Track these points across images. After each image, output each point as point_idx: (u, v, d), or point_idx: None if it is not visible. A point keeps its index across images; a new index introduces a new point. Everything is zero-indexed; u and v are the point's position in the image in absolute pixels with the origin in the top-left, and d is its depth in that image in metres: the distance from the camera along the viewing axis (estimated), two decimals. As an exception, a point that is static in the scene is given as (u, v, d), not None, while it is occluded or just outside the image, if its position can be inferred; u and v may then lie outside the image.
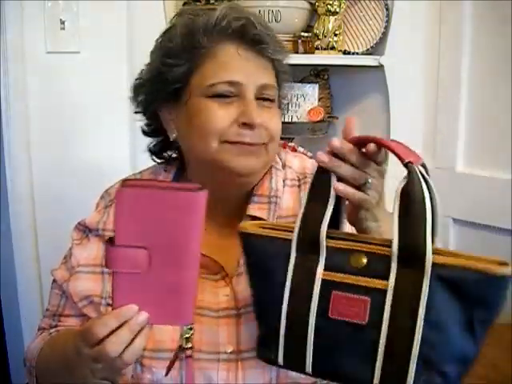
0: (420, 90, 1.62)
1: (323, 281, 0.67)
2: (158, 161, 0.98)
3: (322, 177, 0.68)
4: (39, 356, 0.85)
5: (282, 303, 0.69)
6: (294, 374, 0.76)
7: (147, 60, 1.75)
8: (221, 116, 0.81)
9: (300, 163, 0.95)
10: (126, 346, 0.63)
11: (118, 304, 0.64)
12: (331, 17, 1.60)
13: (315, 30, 1.62)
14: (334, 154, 0.68)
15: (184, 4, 1.69)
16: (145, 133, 0.97)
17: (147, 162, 1.66)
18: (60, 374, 0.78)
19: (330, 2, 1.58)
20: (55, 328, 0.91)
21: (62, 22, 1.58)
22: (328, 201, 0.67)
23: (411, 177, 0.63)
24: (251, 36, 0.82)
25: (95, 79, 1.64)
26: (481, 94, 1.53)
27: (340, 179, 0.68)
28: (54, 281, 0.93)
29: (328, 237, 0.68)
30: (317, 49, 1.64)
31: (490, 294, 0.60)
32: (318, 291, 0.67)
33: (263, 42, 0.83)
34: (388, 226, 0.72)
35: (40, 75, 1.59)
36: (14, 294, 1.68)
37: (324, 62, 1.68)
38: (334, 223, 0.71)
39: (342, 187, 0.67)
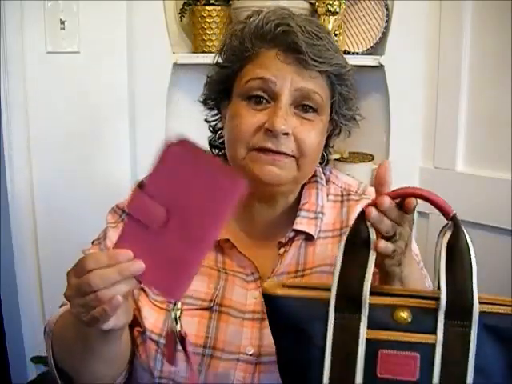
0: (420, 90, 1.62)
1: (368, 340, 0.64)
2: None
3: (359, 229, 0.66)
4: (58, 321, 0.85)
5: (323, 367, 0.66)
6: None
7: (147, 60, 1.76)
8: (248, 122, 0.82)
9: (345, 180, 0.96)
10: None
11: (117, 247, 0.64)
12: (331, 17, 1.60)
13: (315, 30, 1.62)
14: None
15: (184, 4, 1.69)
16: (209, 127, 0.98)
17: (147, 157, 1.66)
18: (68, 329, 0.77)
19: (330, 2, 1.58)
20: None
21: (62, 22, 1.58)
22: (367, 256, 0.65)
23: (458, 230, 0.63)
24: (289, 43, 0.81)
25: (95, 79, 1.64)
26: (481, 93, 1.53)
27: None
28: None
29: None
30: (317, 49, 1.63)
31: None
32: (364, 351, 0.64)
33: (301, 50, 0.80)
34: (410, 270, 0.72)
35: (40, 75, 1.59)
36: (14, 294, 1.68)
37: (324, 61, 1.67)
38: None
39: (383, 245, 0.65)
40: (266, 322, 0.82)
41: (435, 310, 0.63)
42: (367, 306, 0.65)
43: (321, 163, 0.93)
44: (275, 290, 0.69)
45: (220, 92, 0.90)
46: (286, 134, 0.81)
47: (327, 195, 0.93)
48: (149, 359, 0.83)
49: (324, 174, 0.95)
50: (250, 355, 0.82)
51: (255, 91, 0.82)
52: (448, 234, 0.63)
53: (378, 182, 0.68)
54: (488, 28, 1.50)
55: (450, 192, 1.58)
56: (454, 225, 0.63)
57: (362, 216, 0.65)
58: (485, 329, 0.61)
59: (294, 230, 0.88)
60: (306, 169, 0.86)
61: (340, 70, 0.85)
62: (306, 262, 0.87)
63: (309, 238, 0.88)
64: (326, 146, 0.93)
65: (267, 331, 0.82)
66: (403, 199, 0.66)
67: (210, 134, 0.98)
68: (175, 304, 0.77)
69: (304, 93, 0.82)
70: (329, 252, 0.88)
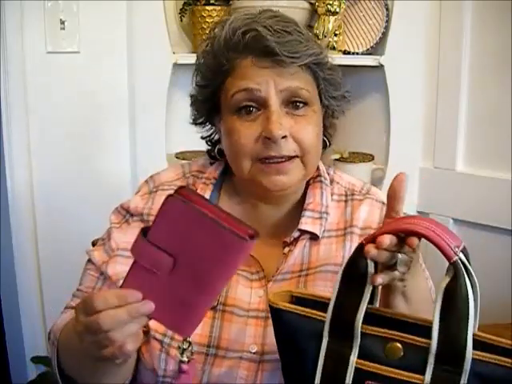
0: (420, 90, 1.62)
1: (356, 369, 0.65)
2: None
3: (357, 260, 0.66)
4: (63, 329, 0.85)
5: None
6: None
7: (147, 60, 1.76)
8: (246, 135, 0.82)
9: (349, 180, 0.96)
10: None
11: (125, 286, 0.64)
12: (331, 17, 1.60)
13: (315, 30, 1.62)
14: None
15: (184, 4, 1.69)
16: (207, 142, 0.98)
17: (147, 157, 1.67)
18: (76, 348, 0.76)
19: (330, 2, 1.58)
20: None
21: (62, 22, 1.58)
22: (363, 287, 0.65)
23: (458, 276, 0.61)
24: (261, 48, 0.81)
25: (95, 79, 1.64)
26: (481, 93, 1.53)
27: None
28: (90, 261, 0.93)
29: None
30: (317, 49, 1.63)
31: None
32: (351, 379, 0.65)
33: (275, 52, 0.80)
34: (414, 283, 0.71)
35: (40, 75, 1.59)
36: (14, 294, 1.68)
37: (324, 62, 1.67)
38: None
39: (380, 280, 0.65)
40: (270, 321, 0.83)
41: (426, 350, 0.62)
42: (359, 336, 0.65)
43: (324, 147, 0.93)
44: (278, 302, 0.70)
45: (209, 110, 0.90)
46: (284, 136, 0.81)
47: (331, 195, 0.93)
48: (153, 359, 0.83)
49: (328, 174, 0.95)
50: (254, 353, 0.83)
51: (243, 103, 0.82)
52: (447, 279, 0.61)
53: (391, 195, 0.67)
54: (488, 28, 1.50)
55: (450, 192, 1.59)
56: (455, 271, 0.61)
57: (361, 249, 0.65)
58: (476, 377, 0.60)
59: (299, 230, 0.88)
60: (311, 164, 0.86)
61: (317, 58, 0.85)
62: (310, 261, 0.88)
63: (313, 237, 0.89)
64: (324, 128, 0.92)
65: (271, 329, 0.82)
66: (406, 235, 0.64)
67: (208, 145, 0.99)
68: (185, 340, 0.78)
69: (290, 91, 0.82)
70: (333, 252, 0.88)
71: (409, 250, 0.67)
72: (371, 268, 0.65)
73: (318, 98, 0.87)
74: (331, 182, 0.94)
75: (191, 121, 0.94)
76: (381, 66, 1.60)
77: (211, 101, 0.88)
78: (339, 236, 0.89)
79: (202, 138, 0.97)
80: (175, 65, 1.66)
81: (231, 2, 1.68)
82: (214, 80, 0.86)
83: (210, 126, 0.94)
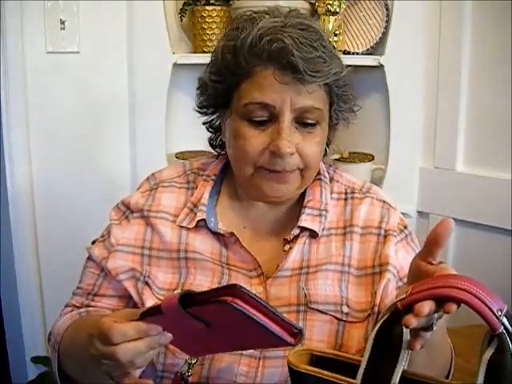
0: (420, 90, 1.62)
1: None
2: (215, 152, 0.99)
3: (393, 327, 0.61)
4: (65, 333, 0.86)
5: None
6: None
7: (147, 60, 1.76)
8: (253, 144, 0.82)
9: (349, 178, 0.96)
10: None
11: (146, 320, 0.64)
12: (331, 17, 1.60)
13: (315, 30, 1.62)
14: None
15: (184, 4, 1.69)
16: (207, 128, 0.97)
17: (147, 157, 1.67)
18: (80, 355, 0.78)
19: (330, 2, 1.58)
20: (86, 308, 0.92)
21: (62, 22, 1.59)
22: (398, 352, 0.60)
23: (503, 349, 0.56)
24: (285, 62, 0.79)
25: (95, 79, 1.64)
26: (481, 93, 1.53)
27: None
28: (90, 258, 0.93)
29: None
30: (317, 49, 1.63)
31: None
32: None
33: (298, 69, 0.78)
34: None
35: (40, 75, 1.60)
36: (14, 294, 1.68)
37: (324, 62, 1.67)
38: None
39: (419, 346, 0.62)
40: None
41: None
42: None
43: (324, 155, 0.94)
44: (299, 365, 0.64)
45: (217, 105, 0.89)
46: (292, 154, 0.82)
47: (331, 193, 0.93)
48: None
49: (328, 172, 0.95)
50: (254, 350, 0.83)
51: (255, 116, 0.82)
52: (491, 350, 0.57)
53: (433, 240, 0.64)
54: (488, 28, 1.50)
55: (450, 192, 1.59)
56: (499, 342, 0.56)
57: (396, 312, 0.60)
58: None
59: (299, 227, 0.88)
60: (309, 177, 0.87)
61: (338, 78, 0.84)
62: (309, 258, 0.88)
63: (313, 234, 0.89)
64: (327, 139, 0.92)
65: None
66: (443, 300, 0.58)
67: (210, 134, 0.98)
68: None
69: (304, 110, 0.82)
70: (333, 250, 0.88)
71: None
72: (407, 335, 0.61)
73: (328, 113, 0.87)
74: (331, 180, 0.95)
75: (196, 107, 0.92)
76: (381, 66, 1.60)
77: (223, 97, 0.87)
78: (339, 235, 0.90)
79: (204, 123, 0.95)
80: (175, 65, 1.67)
81: (231, 2, 1.68)
82: (229, 79, 0.84)
83: (212, 111, 0.92)
